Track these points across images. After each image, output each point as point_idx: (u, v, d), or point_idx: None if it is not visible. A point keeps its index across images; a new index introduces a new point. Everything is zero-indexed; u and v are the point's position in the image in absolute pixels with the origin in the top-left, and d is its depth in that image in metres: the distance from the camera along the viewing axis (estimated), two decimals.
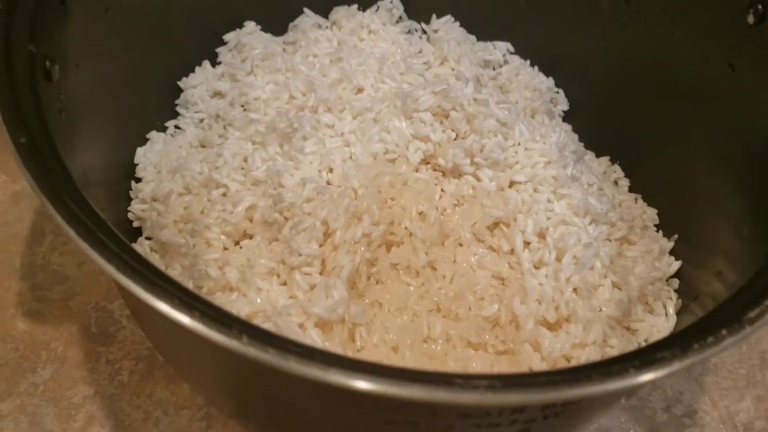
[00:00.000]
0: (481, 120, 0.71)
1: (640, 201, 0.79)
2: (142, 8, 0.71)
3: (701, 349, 0.39)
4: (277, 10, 0.86)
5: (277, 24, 0.87)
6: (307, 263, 0.62)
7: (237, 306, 0.60)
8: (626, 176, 0.82)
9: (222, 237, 0.67)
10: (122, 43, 0.70)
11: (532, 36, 0.88)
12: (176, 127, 0.80)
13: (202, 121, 0.80)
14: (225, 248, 0.67)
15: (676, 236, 0.73)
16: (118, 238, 0.43)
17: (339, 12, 0.88)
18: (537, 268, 0.66)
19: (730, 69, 0.66)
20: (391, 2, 0.89)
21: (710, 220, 0.70)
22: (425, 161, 0.73)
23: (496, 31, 0.90)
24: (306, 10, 0.87)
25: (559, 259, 0.66)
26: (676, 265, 0.70)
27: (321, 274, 0.63)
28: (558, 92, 0.88)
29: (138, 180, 0.74)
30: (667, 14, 0.73)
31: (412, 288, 0.65)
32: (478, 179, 0.71)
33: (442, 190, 0.72)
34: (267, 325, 0.58)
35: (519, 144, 0.72)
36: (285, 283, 0.63)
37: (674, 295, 0.69)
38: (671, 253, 0.72)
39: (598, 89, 0.85)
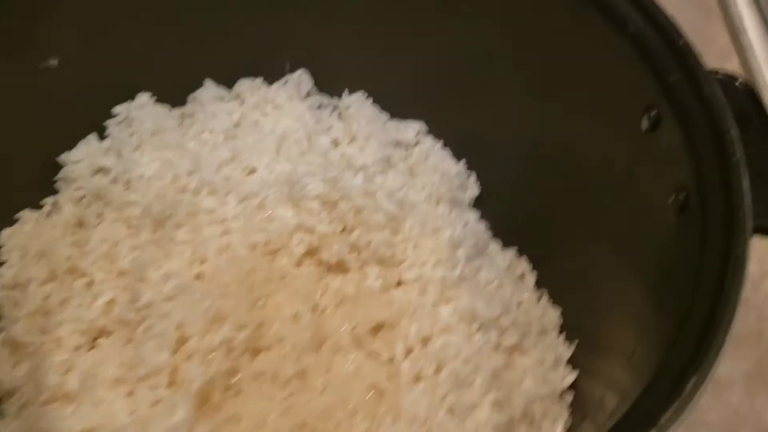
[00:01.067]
0: (368, 213, 0.66)
1: (545, 300, 0.74)
2: (8, 85, 0.67)
3: None
4: (175, 80, 0.81)
5: (175, 95, 0.82)
6: (154, 374, 0.57)
7: (69, 422, 0.54)
8: (534, 269, 0.77)
9: (75, 336, 0.62)
10: None
11: (446, 116, 0.84)
12: (54, 204, 0.74)
13: (81, 199, 0.74)
14: (78, 348, 0.62)
15: (577, 342, 0.68)
16: None
17: (243, 85, 0.83)
18: (416, 381, 0.61)
19: (628, 173, 0.62)
20: (300, 76, 0.84)
21: (614, 326, 0.65)
22: (309, 254, 0.68)
23: (410, 110, 0.86)
24: (207, 81, 0.82)
25: (437, 373, 0.61)
26: (571, 377, 0.65)
27: (171, 386, 0.57)
28: (469, 176, 0.83)
29: (1, 264, 0.69)
30: (573, 109, 0.69)
31: (275, 401, 0.60)
32: (365, 276, 0.66)
33: (326, 287, 0.67)
34: None
35: (409, 240, 0.68)
36: (131, 394, 0.57)
37: (566, 412, 0.64)
38: (570, 361, 0.68)
39: (510, 175, 0.80)
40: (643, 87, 0.57)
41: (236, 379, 0.60)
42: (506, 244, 0.79)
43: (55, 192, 0.75)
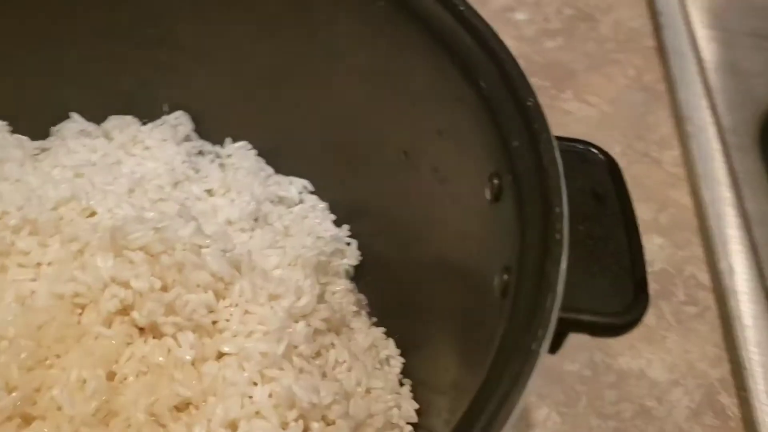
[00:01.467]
0: (189, 270, 0.58)
1: (407, 389, 0.65)
2: None
3: None
4: (41, 111, 0.75)
5: (40, 126, 0.75)
6: None
7: None
8: (402, 355, 0.68)
9: None
10: None
11: (334, 178, 0.77)
12: None
13: None
14: None
15: None
16: None
17: (113, 121, 0.77)
18: None
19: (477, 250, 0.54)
20: (177, 118, 0.78)
21: None
22: (123, 312, 0.59)
23: (296, 167, 0.79)
24: (73, 114, 0.76)
25: None
26: None
27: None
28: (349, 243, 0.75)
29: None
30: (438, 175, 0.62)
31: None
32: (179, 344, 0.57)
33: (132, 352, 0.57)
34: None
35: (237, 305, 0.59)
36: None
37: None
38: None
39: (394, 247, 0.73)
40: (490, 152, 0.49)
41: None
42: (381, 319, 0.71)
43: None
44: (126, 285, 0.58)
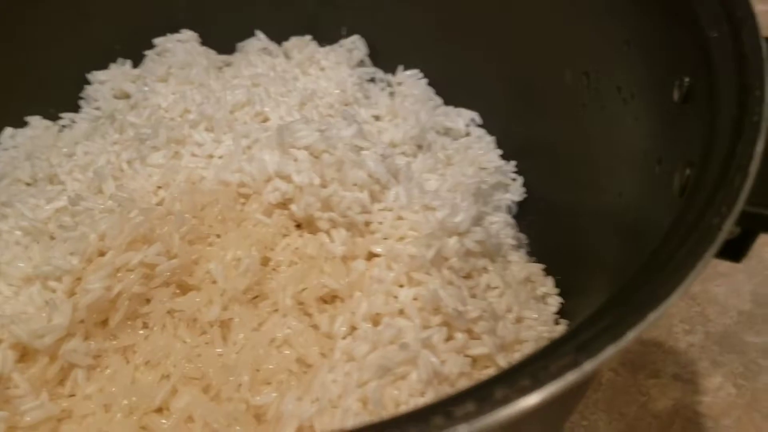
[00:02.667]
0: (348, 169, 0.57)
1: (561, 328, 0.60)
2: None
3: None
4: (229, 29, 0.79)
5: (228, 43, 0.79)
6: (56, 277, 0.51)
7: None
8: (560, 295, 0.63)
9: (16, 232, 0.58)
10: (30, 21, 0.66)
11: (505, 111, 0.74)
12: (72, 121, 0.73)
13: (98, 120, 0.72)
14: (16, 244, 0.58)
15: None
16: None
17: (293, 41, 0.78)
18: (348, 360, 0.50)
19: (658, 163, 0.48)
20: (353, 42, 0.78)
21: None
22: (283, 205, 0.60)
23: (466, 99, 0.76)
24: (258, 32, 0.78)
25: (367, 356, 0.49)
26: None
27: (71, 295, 0.51)
28: (515, 179, 0.71)
29: None
30: (621, 95, 0.56)
31: (184, 345, 0.51)
32: (331, 239, 0.57)
33: (287, 243, 0.58)
34: None
35: (391, 210, 0.57)
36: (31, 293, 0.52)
37: None
38: None
39: (561, 184, 0.68)
40: (683, 51, 0.44)
41: (147, 309, 0.52)
42: (539, 261, 0.66)
43: (77, 109, 0.74)
44: (288, 179, 0.59)
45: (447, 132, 0.75)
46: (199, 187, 0.59)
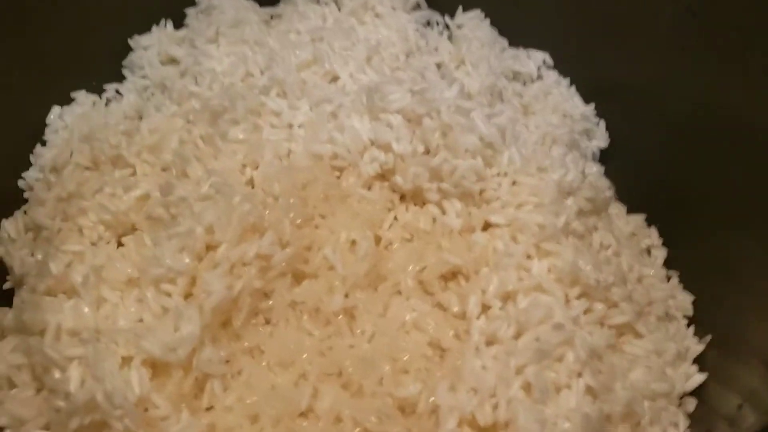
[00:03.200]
0: (458, 134, 0.53)
1: (675, 281, 0.58)
2: None
3: None
4: None
5: None
6: (169, 279, 0.47)
7: (61, 317, 0.45)
8: (664, 245, 0.61)
9: (99, 227, 0.53)
10: None
11: (579, 51, 0.69)
12: (117, 92, 0.66)
13: (146, 89, 0.66)
14: (100, 239, 0.53)
15: (710, 337, 0.52)
16: None
17: None
18: (489, 344, 0.48)
19: None
20: None
21: (759, 324, 0.49)
22: (382, 176, 0.56)
23: (534, 39, 0.72)
24: None
25: (517, 338, 0.47)
26: (698, 378, 0.50)
27: (187, 297, 0.47)
28: (597, 124, 0.68)
29: (44, 143, 0.61)
30: (742, 38, 0.53)
31: (312, 339, 0.48)
32: (443, 211, 0.53)
33: (395, 218, 0.54)
34: (79, 351, 0.43)
35: (506, 174, 0.54)
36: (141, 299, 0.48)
37: (683, 421, 0.48)
38: (697, 361, 0.52)
39: (649, 128, 0.65)
40: None
41: (268, 304, 0.49)
42: (632, 210, 0.64)
43: (121, 80, 0.67)
44: (386, 148, 0.55)
45: (516, 76, 0.71)
46: (293, 164, 0.54)
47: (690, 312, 0.55)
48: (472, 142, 0.53)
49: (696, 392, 0.50)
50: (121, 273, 0.48)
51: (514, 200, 0.53)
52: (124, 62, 0.68)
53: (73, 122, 0.62)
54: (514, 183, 0.54)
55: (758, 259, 0.52)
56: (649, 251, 0.61)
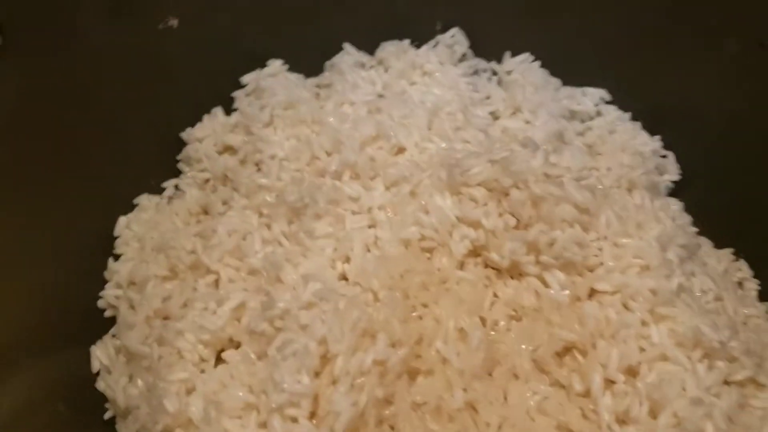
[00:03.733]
0: (551, 204, 0.52)
1: None
2: (127, 47, 0.58)
3: None
4: (310, 46, 0.70)
5: (310, 62, 0.71)
6: (293, 403, 0.46)
7: None
8: (755, 276, 0.60)
9: (199, 347, 0.52)
10: (101, 86, 0.57)
11: (636, 83, 0.68)
12: (176, 187, 0.65)
13: (207, 182, 0.65)
14: (202, 360, 0.52)
15: None
16: None
17: (387, 48, 0.71)
18: (622, 423, 0.47)
19: None
20: (453, 37, 0.71)
21: None
22: (474, 253, 0.54)
23: (588, 76, 0.71)
24: (346, 45, 0.70)
25: (653, 416, 0.46)
26: None
27: (312, 418, 0.46)
28: (666, 156, 0.67)
29: (117, 257, 0.60)
30: None
31: None
32: (546, 284, 0.52)
33: (494, 295, 0.53)
34: None
35: (605, 238, 0.53)
36: (265, 426, 0.47)
37: None
38: None
39: (721, 156, 0.64)
40: None
41: (390, 410, 0.48)
42: (718, 244, 0.63)
43: (177, 174, 0.66)
44: (475, 225, 0.54)
45: (573, 115, 0.70)
46: (385, 253, 0.53)
47: None
48: (569, 211, 0.52)
49: None
50: (238, 400, 0.47)
51: (619, 265, 0.52)
52: (179, 156, 0.66)
53: (141, 230, 0.61)
54: (615, 246, 0.53)
55: None
56: (741, 285, 0.60)
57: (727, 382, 0.49)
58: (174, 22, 0.60)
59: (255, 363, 0.50)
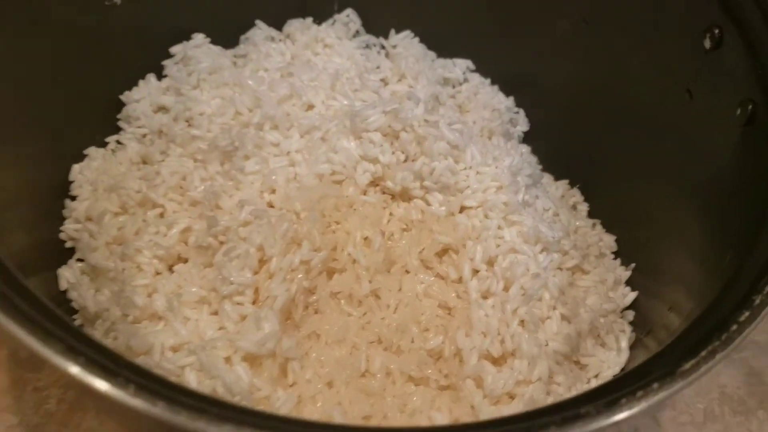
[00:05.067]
0: (431, 142, 0.68)
1: (599, 227, 0.76)
2: (77, 22, 0.68)
3: (629, 404, 0.36)
4: (227, 22, 0.83)
5: (227, 36, 0.83)
6: (239, 292, 0.59)
7: (161, 337, 0.57)
8: (585, 201, 0.79)
9: (154, 261, 0.64)
10: (54, 56, 0.67)
11: (494, 55, 0.86)
12: (118, 142, 0.76)
13: (144, 136, 0.76)
14: (157, 273, 0.64)
15: (633, 265, 0.71)
16: (8, 273, 0.40)
17: (293, 25, 0.85)
18: (484, 298, 0.63)
19: (688, 95, 0.64)
20: (348, 16, 0.86)
21: (668, 249, 0.67)
22: (374, 183, 0.70)
23: (456, 49, 0.88)
24: (258, 22, 0.84)
25: (506, 289, 0.63)
26: (632, 296, 0.68)
27: (254, 303, 0.60)
28: (518, 112, 0.85)
29: (73, 198, 0.70)
30: (626, 39, 0.71)
31: (352, 318, 0.62)
32: (428, 203, 0.68)
33: (390, 214, 0.69)
34: (190, 360, 0.55)
35: (470, 168, 0.69)
36: (216, 313, 0.60)
37: (628, 328, 0.66)
38: (628, 283, 0.70)
39: (559, 111, 0.83)
40: (705, 5, 0.58)
41: (314, 298, 0.62)
42: (557, 177, 0.81)
43: (117, 130, 0.77)
44: (374, 161, 0.69)
45: (446, 82, 0.87)
46: (303, 184, 0.67)
47: (615, 248, 0.74)
48: (443, 147, 0.68)
49: (632, 306, 0.68)
50: (193, 295, 0.60)
51: (481, 186, 0.68)
52: (119, 116, 0.77)
53: (93, 175, 0.71)
54: (477, 173, 0.69)
55: (659, 199, 0.69)
56: (575, 207, 0.79)
57: (560, 269, 0.67)
58: (118, 0, 0.71)
59: (203, 270, 0.62)
